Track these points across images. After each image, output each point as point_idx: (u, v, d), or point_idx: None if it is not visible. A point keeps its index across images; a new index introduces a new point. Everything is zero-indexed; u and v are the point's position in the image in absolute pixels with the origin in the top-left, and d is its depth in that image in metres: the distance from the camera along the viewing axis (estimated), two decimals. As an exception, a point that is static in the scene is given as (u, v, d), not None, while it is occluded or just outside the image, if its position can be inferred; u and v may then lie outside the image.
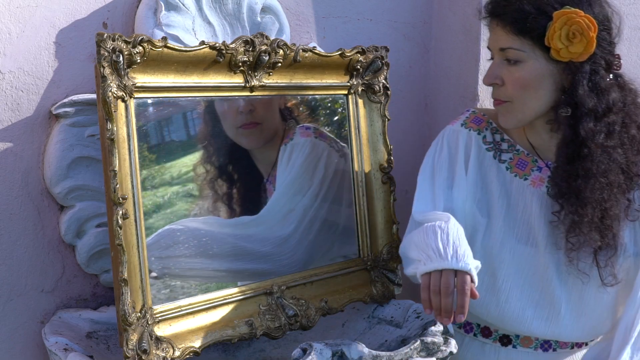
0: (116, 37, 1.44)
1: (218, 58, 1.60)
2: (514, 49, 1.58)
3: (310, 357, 1.38)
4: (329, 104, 1.90)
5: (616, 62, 1.61)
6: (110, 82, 1.44)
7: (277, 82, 1.73)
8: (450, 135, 1.73)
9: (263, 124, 1.80)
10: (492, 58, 1.66)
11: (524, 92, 1.59)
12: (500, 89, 1.62)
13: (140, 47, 1.47)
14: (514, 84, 1.59)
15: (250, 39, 1.64)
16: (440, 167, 1.71)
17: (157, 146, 1.61)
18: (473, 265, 1.46)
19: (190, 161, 1.67)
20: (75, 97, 1.63)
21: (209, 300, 1.62)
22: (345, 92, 1.87)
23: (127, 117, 1.49)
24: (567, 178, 1.59)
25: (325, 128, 1.90)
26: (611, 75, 1.60)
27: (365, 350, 1.45)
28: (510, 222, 1.67)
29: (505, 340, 1.74)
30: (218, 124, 1.72)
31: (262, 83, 1.69)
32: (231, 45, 1.62)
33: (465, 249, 1.48)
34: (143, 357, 1.45)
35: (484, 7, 1.66)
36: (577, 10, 1.53)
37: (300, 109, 1.87)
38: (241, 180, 1.78)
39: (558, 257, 1.64)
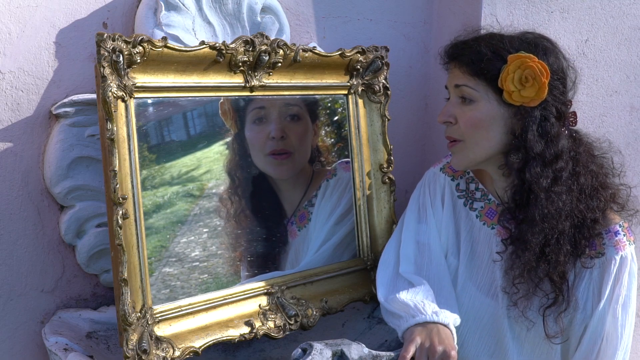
0: (116, 37, 1.44)
1: (218, 58, 1.60)
2: (468, 87, 1.61)
3: (310, 357, 1.38)
4: (329, 104, 1.90)
5: (572, 119, 1.65)
6: (110, 82, 1.45)
7: (277, 82, 1.73)
8: (431, 178, 1.80)
9: (295, 154, 1.81)
10: (448, 99, 1.70)
11: (475, 131, 1.62)
12: (453, 128, 1.65)
13: (140, 47, 1.47)
14: (466, 122, 1.62)
15: (250, 39, 1.64)
16: (423, 207, 1.77)
17: (157, 146, 1.61)
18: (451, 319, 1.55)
19: (190, 161, 1.67)
20: (75, 97, 1.63)
21: (209, 300, 1.62)
22: (345, 92, 1.87)
23: (127, 117, 1.49)
24: (513, 221, 1.62)
25: (325, 128, 1.90)
26: (564, 128, 1.63)
27: (365, 350, 1.45)
28: (473, 269, 1.71)
29: None
30: (247, 155, 1.74)
31: (262, 83, 1.69)
32: (231, 45, 1.62)
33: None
34: (143, 357, 1.45)
35: (444, 52, 1.70)
36: (531, 55, 1.57)
37: (330, 153, 1.90)
38: (264, 216, 1.79)
39: (512, 311, 1.65)
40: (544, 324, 1.61)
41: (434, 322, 1.52)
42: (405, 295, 1.58)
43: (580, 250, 1.61)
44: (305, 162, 1.85)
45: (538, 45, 1.61)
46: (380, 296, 1.65)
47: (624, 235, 1.63)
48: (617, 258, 1.61)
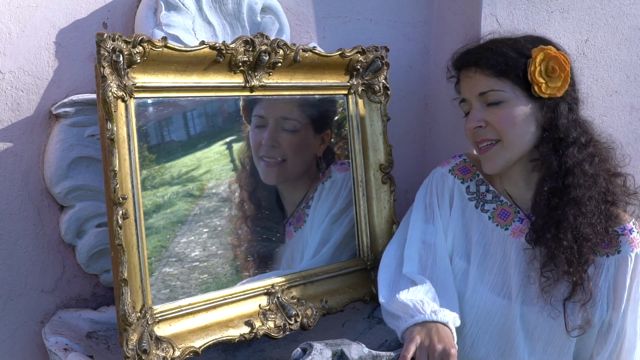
0: (116, 37, 1.44)
1: (218, 58, 1.60)
2: (495, 91, 1.63)
3: (310, 357, 1.38)
4: (338, 116, 1.90)
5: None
6: (110, 82, 1.45)
7: (277, 82, 1.73)
8: (438, 178, 1.79)
9: (287, 162, 1.81)
10: (462, 100, 1.70)
11: (512, 129, 1.63)
12: (485, 130, 1.66)
13: (140, 47, 1.47)
14: (500, 122, 1.63)
15: (250, 39, 1.64)
16: (430, 207, 1.77)
17: (157, 146, 1.61)
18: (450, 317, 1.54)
19: (190, 161, 1.67)
20: (75, 97, 1.63)
21: (209, 300, 1.62)
22: (345, 92, 1.87)
23: (127, 117, 1.49)
24: (549, 208, 1.63)
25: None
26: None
27: (365, 350, 1.45)
28: (485, 271, 1.71)
29: None
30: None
31: (262, 83, 1.69)
32: (231, 45, 1.62)
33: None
34: (143, 357, 1.45)
35: (458, 58, 1.71)
36: (551, 46, 1.62)
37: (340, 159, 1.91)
38: (265, 216, 1.80)
39: (526, 310, 1.66)
40: (565, 317, 1.63)
41: (433, 321, 1.52)
42: (404, 295, 1.58)
43: (604, 233, 1.64)
44: (301, 170, 1.85)
45: (550, 41, 1.67)
46: (382, 297, 1.65)
47: (638, 232, 1.66)
48: (633, 255, 1.64)
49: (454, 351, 1.48)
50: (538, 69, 1.60)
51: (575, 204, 1.61)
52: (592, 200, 1.62)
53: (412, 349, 1.47)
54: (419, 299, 1.57)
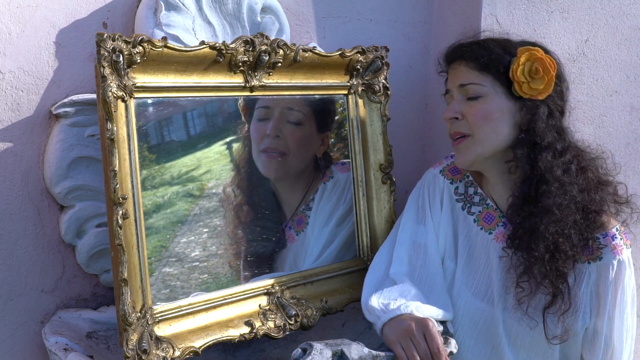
0: (116, 37, 1.44)
1: (218, 58, 1.60)
2: (475, 84, 1.63)
3: (310, 357, 1.38)
4: (339, 116, 1.90)
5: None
6: (110, 82, 1.45)
7: (277, 82, 1.73)
8: (430, 179, 1.79)
9: (289, 156, 1.80)
10: (447, 92, 1.71)
11: (484, 123, 1.62)
12: (460, 123, 1.65)
13: (140, 47, 1.47)
14: (475, 115, 1.62)
15: (250, 39, 1.64)
16: (422, 209, 1.77)
17: (157, 146, 1.61)
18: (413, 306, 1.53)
19: (190, 161, 1.67)
20: (75, 97, 1.63)
21: (209, 300, 1.62)
22: (345, 92, 1.87)
23: (127, 117, 1.49)
24: (522, 216, 1.62)
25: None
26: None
27: (365, 350, 1.45)
28: (469, 274, 1.70)
29: None
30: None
31: (262, 83, 1.69)
32: (231, 45, 1.62)
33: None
34: (143, 357, 1.45)
35: (445, 55, 1.72)
36: (539, 48, 1.62)
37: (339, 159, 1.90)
38: (264, 216, 1.79)
39: (507, 317, 1.66)
40: (544, 326, 1.61)
41: (397, 315, 1.52)
42: (375, 298, 1.59)
43: (583, 244, 1.62)
44: (301, 167, 1.85)
45: (540, 45, 1.66)
46: (362, 299, 1.65)
47: (621, 239, 1.64)
48: (615, 263, 1.62)
49: (430, 322, 1.48)
50: (521, 67, 1.59)
51: (547, 213, 1.58)
52: (565, 209, 1.59)
53: (400, 350, 1.47)
54: (387, 300, 1.56)
